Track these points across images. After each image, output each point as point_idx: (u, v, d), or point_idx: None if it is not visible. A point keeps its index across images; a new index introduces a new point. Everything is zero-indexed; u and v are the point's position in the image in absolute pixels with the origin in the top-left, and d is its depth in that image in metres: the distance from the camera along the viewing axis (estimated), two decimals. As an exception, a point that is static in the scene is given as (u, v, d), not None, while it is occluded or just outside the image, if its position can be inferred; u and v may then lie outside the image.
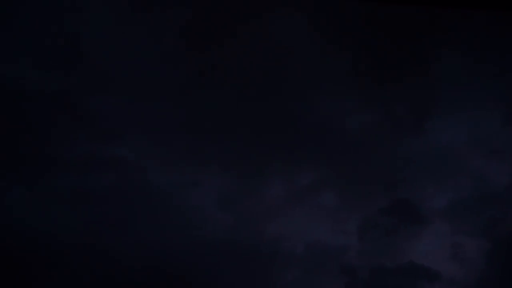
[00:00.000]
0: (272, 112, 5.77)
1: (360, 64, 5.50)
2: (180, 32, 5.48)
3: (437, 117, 5.81)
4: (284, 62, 5.60)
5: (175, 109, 5.67)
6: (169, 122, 5.71)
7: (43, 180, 5.47)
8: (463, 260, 5.88)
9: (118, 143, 5.68)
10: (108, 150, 5.61)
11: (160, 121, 5.70)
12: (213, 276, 5.44)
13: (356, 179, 5.93)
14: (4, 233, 5.21)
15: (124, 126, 5.69)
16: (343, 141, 5.90)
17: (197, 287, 5.39)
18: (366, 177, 5.90)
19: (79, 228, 5.34)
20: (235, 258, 5.56)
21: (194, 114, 5.69)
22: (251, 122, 5.76)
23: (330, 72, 5.57)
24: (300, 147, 5.84)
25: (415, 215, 5.91)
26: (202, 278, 5.42)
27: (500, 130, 5.84)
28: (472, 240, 5.93)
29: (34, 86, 5.48)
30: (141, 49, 5.53)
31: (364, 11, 5.08)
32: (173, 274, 5.33)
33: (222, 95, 5.64)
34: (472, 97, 5.74)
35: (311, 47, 5.47)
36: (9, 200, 5.40)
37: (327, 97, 5.73)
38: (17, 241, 5.24)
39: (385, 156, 5.89)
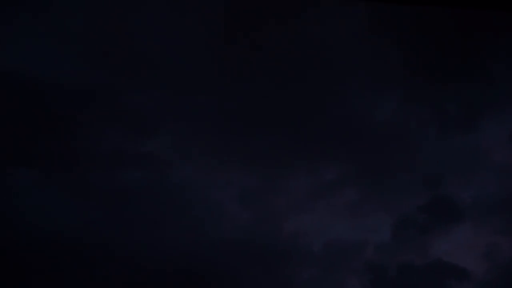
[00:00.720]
0: (300, 107, 5.47)
1: (412, 63, 5.09)
2: (212, 27, 5.13)
3: (486, 116, 5.43)
4: (319, 58, 5.20)
5: (200, 106, 5.45)
6: (196, 119, 5.51)
7: (72, 176, 5.46)
8: (495, 259, 5.74)
9: (145, 139, 5.56)
10: (135, 147, 5.51)
11: (186, 118, 5.51)
12: (231, 276, 5.45)
13: (390, 175, 5.70)
14: (26, 229, 5.27)
15: (152, 122, 5.54)
16: (376, 137, 5.61)
17: (215, 285, 5.42)
18: (403, 174, 5.66)
19: (102, 225, 5.37)
20: (255, 256, 5.52)
21: (221, 111, 5.47)
22: (278, 117, 5.49)
23: (374, 69, 5.17)
24: (329, 142, 5.59)
25: (453, 214, 5.70)
26: (220, 276, 5.41)
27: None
28: (508, 239, 5.76)
29: (65, 81, 5.31)
30: (175, 47, 5.23)
31: (419, 11, 4.59)
32: (192, 273, 5.34)
33: (249, 92, 5.35)
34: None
35: (358, 45, 5.05)
36: (36, 196, 5.44)
37: (364, 94, 5.38)
38: (42, 237, 5.31)
39: (427, 153, 5.62)
